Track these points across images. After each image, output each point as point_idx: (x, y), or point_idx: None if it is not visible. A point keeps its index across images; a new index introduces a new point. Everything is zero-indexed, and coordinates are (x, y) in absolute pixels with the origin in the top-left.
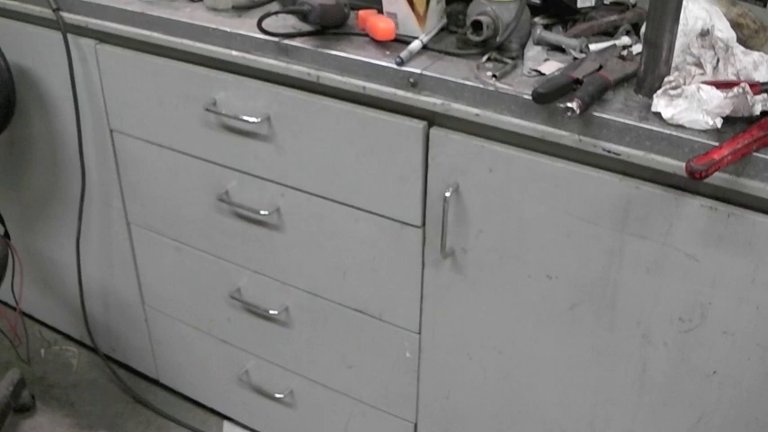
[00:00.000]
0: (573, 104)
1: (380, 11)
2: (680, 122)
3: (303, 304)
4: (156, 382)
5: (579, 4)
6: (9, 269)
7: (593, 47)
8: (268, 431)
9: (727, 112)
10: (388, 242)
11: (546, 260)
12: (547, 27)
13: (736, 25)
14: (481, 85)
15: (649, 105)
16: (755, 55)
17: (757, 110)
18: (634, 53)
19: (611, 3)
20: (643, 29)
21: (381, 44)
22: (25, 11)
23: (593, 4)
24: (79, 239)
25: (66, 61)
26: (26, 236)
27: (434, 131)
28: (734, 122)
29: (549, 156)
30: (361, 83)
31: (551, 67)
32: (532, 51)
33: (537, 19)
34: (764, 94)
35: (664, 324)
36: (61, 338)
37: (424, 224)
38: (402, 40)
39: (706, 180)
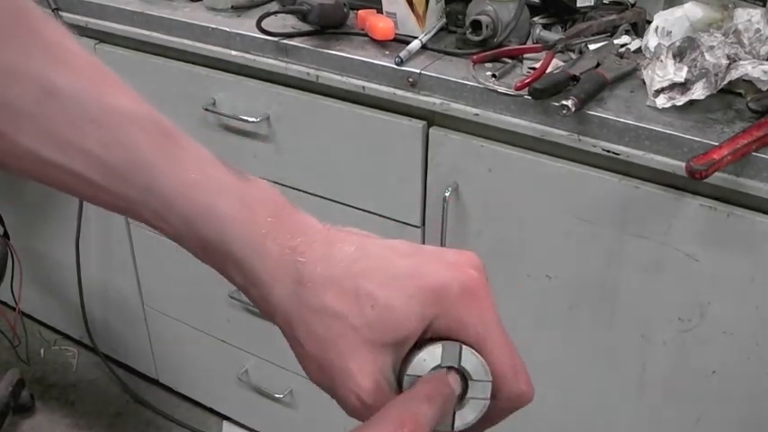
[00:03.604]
0: (568, 102)
1: (380, 10)
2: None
3: None
4: (155, 382)
5: (578, 4)
6: (8, 269)
7: (592, 46)
8: (267, 431)
9: None
10: None
11: (545, 260)
12: (546, 27)
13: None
14: (480, 85)
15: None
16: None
17: None
18: (632, 50)
19: (610, 2)
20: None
21: (381, 44)
22: None
23: (592, 3)
24: (79, 239)
25: None
26: (26, 236)
27: (434, 131)
28: (733, 122)
29: (549, 155)
30: (360, 82)
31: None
32: None
33: (536, 19)
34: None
35: (663, 324)
36: (60, 338)
37: (423, 224)
38: (401, 40)
39: (705, 180)
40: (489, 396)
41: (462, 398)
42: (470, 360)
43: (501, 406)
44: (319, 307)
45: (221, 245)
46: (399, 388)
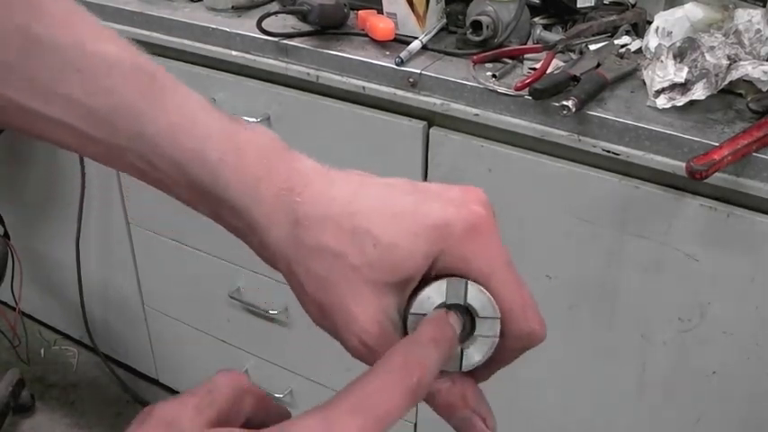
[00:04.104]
0: (568, 102)
1: (380, 11)
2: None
3: None
4: (155, 382)
5: (579, 4)
6: (9, 269)
7: (592, 46)
8: None
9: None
10: None
11: (545, 260)
12: (546, 27)
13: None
14: (480, 85)
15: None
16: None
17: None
18: (632, 51)
19: (610, 3)
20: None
21: (381, 44)
22: None
23: (592, 4)
24: (79, 239)
25: None
26: (26, 236)
27: (434, 131)
28: (733, 123)
29: (549, 156)
30: (360, 83)
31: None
32: None
33: (536, 19)
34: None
35: (663, 324)
36: (61, 338)
37: None
38: (402, 40)
39: (705, 180)
40: (498, 333)
41: (470, 336)
42: (477, 296)
43: (511, 345)
44: (317, 247)
45: (214, 189)
46: (404, 328)
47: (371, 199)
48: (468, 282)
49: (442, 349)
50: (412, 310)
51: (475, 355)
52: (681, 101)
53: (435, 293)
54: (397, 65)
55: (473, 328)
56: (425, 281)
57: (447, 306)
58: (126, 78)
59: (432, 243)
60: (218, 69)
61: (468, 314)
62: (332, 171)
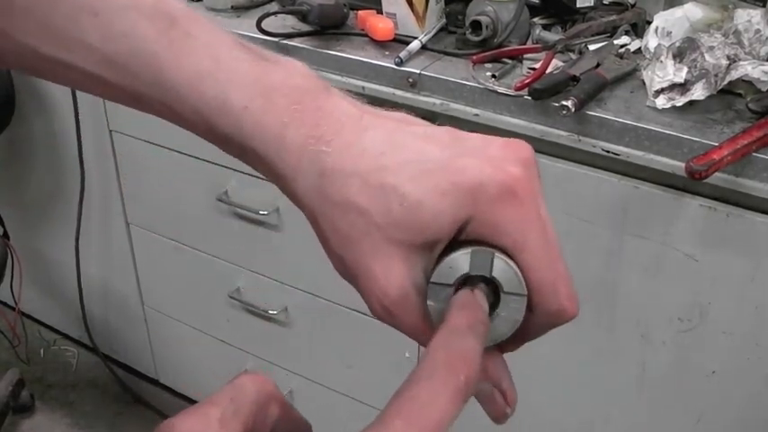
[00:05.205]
0: (568, 102)
1: (380, 11)
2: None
3: (303, 304)
4: (155, 382)
5: (578, 4)
6: (8, 269)
7: (592, 46)
8: None
9: None
10: None
11: None
12: (546, 27)
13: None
14: (480, 85)
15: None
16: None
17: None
18: (632, 51)
19: (610, 3)
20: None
21: (380, 44)
22: None
23: (592, 4)
24: (78, 239)
25: None
26: (26, 236)
27: None
28: (732, 123)
29: (549, 156)
30: (360, 83)
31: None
32: None
33: (536, 19)
34: None
35: (663, 324)
36: (60, 338)
37: None
38: (401, 41)
39: (705, 180)
40: (523, 311)
41: (494, 310)
42: (503, 270)
43: (539, 321)
44: (342, 201)
45: (237, 138)
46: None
47: (403, 152)
48: (495, 254)
49: (480, 336)
50: (433, 279)
51: (497, 331)
52: (680, 101)
53: (458, 263)
54: (396, 65)
55: (497, 301)
56: (454, 246)
57: (470, 278)
58: (143, 22)
59: (461, 205)
60: None
61: (493, 286)
62: (366, 115)
